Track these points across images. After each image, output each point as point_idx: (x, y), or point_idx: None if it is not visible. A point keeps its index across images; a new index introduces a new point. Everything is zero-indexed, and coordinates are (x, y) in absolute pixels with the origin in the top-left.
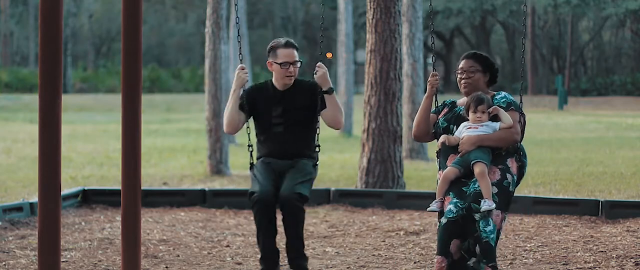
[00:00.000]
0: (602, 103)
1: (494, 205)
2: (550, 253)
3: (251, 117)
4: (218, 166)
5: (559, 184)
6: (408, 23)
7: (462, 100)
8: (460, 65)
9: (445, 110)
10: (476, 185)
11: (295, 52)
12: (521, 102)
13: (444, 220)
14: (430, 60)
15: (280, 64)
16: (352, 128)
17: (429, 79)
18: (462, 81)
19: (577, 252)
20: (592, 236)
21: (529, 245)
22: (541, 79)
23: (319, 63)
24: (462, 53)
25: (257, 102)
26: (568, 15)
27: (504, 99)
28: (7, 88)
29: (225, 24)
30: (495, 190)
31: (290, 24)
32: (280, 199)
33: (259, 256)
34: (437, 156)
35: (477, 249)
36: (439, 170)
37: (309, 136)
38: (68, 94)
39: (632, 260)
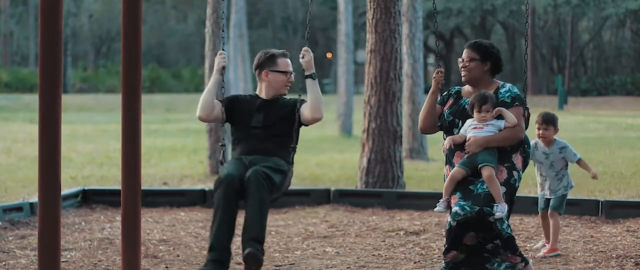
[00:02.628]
0: (602, 103)
1: (506, 211)
2: None
3: (227, 121)
4: (218, 166)
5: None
6: (408, 23)
7: (466, 89)
8: (462, 55)
9: (450, 101)
10: (484, 187)
11: (290, 63)
12: (526, 84)
13: (452, 223)
14: (430, 60)
15: (283, 72)
16: (352, 128)
17: (433, 75)
18: (462, 71)
19: (577, 252)
20: (592, 236)
21: (528, 245)
22: (541, 79)
23: (305, 47)
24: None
25: (236, 108)
26: (568, 15)
27: (508, 93)
28: (7, 88)
29: (225, 24)
30: (504, 189)
31: (290, 24)
32: (246, 179)
33: (207, 248)
34: (444, 152)
35: (497, 241)
36: (446, 164)
37: (286, 145)
38: (68, 94)
39: (632, 260)
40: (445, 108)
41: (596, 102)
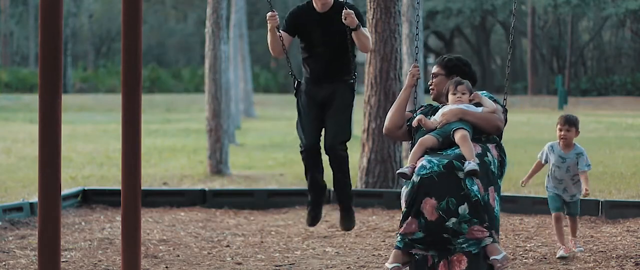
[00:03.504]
0: (602, 103)
1: (477, 166)
2: (551, 253)
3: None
4: (218, 166)
5: None
6: (408, 23)
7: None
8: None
9: (422, 108)
10: (456, 150)
11: None
12: (505, 100)
13: (416, 177)
14: (430, 60)
15: None
16: (352, 128)
17: (410, 69)
18: (429, 86)
19: (577, 252)
20: (592, 236)
21: (529, 245)
22: (541, 79)
23: (345, 10)
24: (462, 53)
25: (299, 24)
26: (568, 15)
27: (485, 94)
28: (7, 88)
29: (225, 24)
30: (477, 161)
31: None
32: (326, 150)
33: (307, 187)
34: (411, 148)
35: (461, 209)
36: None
37: (346, 56)
38: (68, 94)
39: (632, 260)
40: (416, 111)
41: (596, 102)
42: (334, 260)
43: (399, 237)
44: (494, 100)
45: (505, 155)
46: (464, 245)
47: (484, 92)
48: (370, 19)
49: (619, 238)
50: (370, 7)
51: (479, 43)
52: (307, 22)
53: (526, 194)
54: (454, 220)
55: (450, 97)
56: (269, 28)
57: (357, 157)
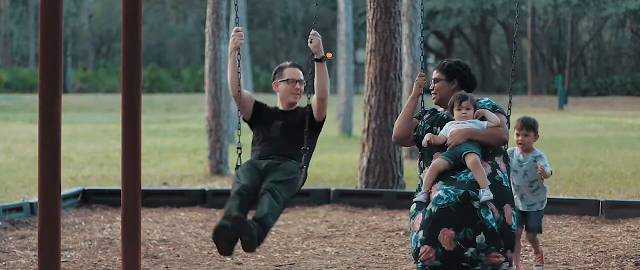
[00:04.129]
0: (602, 103)
1: (492, 195)
2: (551, 253)
3: (250, 121)
4: (218, 166)
5: (559, 184)
6: (408, 23)
7: (445, 112)
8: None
9: (427, 115)
10: (469, 175)
11: (301, 73)
12: (510, 108)
13: (433, 208)
14: (430, 60)
15: (286, 80)
16: (352, 128)
17: (416, 79)
18: (431, 91)
19: (577, 252)
20: (592, 236)
21: (529, 245)
22: (541, 79)
23: (313, 31)
24: (462, 53)
25: (261, 112)
26: (568, 15)
27: (488, 103)
28: (7, 88)
29: (225, 24)
30: (489, 183)
31: (290, 24)
32: (261, 192)
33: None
34: (419, 162)
35: (479, 238)
36: (422, 172)
37: (300, 149)
38: (68, 94)
39: (632, 260)
40: (422, 119)
41: (596, 102)
42: (334, 260)
43: (419, 264)
44: (497, 110)
45: (510, 163)
46: None
47: (487, 99)
48: (370, 19)
49: (619, 238)
50: (370, 7)
51: (479, 43)
52: (269, 113)
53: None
54: (472, 249)
55: (455, 112)
56: (229, 49)
57: (357, 157)
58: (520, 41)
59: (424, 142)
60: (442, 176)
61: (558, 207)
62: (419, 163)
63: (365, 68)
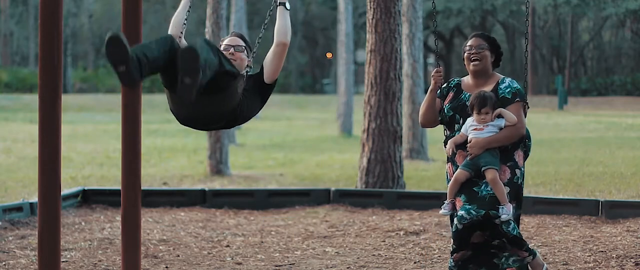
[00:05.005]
0: (602, 103)
1: (511, 214)
2: (550, 253)
3: None
4: (218, 166)
5: (559, 184)
6: (408, 23)
7: (466, 81)
8: (469, 43)
9: (450, 95)
10: (488, 188)
11: (240, 40)
12: (526, 86)
13: (459, 225)
14: (430, 60)
15: (222, 45)
16: (352, 128)
17: (432, 74)
18: (472, 57)
19: (577, 252)
20: (592, 236)
21: (528, 245)
22: (541, 79)
23: None
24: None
25: None
26: (568, 15)
27: (508, 90)
28: (7, 88)
29: (225, 24)
30: (508, 189)
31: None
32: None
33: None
34: (444, 142)
35: (504, 239)
36: (448, 162)
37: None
38: (68, 94)
39: (632, 260)
40: (445, 102)
41: (596, 102)
42: (334, 260)
43: (451, 262)
44: (517, 100)
45: (530, 140)
46: (509, 260)
47: (508, 82)
48: (370, 19)
49: (619, 238)
50: (370, 7)
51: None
52: None
53: (526, 194)
54: (498, 241)
55: (475, 116)
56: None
57: (357, 157)
58: (520, 41)
59: (448, 152)
60: (463, 186)
61: (558, 207)
62: (444, 142)
63: (365, 68)
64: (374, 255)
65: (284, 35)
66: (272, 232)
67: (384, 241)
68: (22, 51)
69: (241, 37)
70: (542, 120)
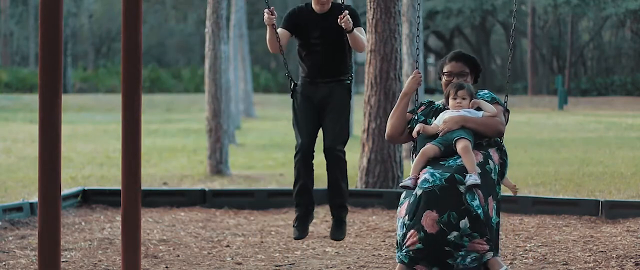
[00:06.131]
0: (602, 103)
1: (479, 180)
2: (551, 253)
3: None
4: (218, 166)
5: (559, 184)
6: (408, 23)
7: (441, 102)
8: (448, 68)
9: (422, 107)
10: (458, 161)
11: None
12: (506, 101)
13: (418, 191)
14: (430, 60)
15: None
16: (352, 128)
17: (413, 76)
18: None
19: (577, 252)
20: (592, 236)
21: (529, 245)
22: (541, 79)
23: (344, 11)
24: None
25: (298, 23)
26: (568, 15)
27: (488, 95)
28: (7, 88)
29: (225, 24)
30: (478, 170)
31: None
32: (325, 151)
33: (294, 197)
34: (411, 155)
35: (462, 223)
36: (413, 153)
37: (343, 56)
38: (68, 94)
39: (632, 260)
40: (417, 113)
41: (596, 102)
42: (334, 260)
43: (403, 251)
44: (495, 102)
45: (506, 157)
46: (466, 260)
47: (486, 91)
48: (370, 19)
49: (619, 238)
50: (370, 7)
51: (479, 43)
52: (306, 21)
53: (526, 194)
54: (455, 233)
55: (450, 101)
56: (267, 24)
57: (357, 157)
58: (520, 41)
59: (414, 133)
60: (431, 162)
61: (558, 207)
62: (412, 156)
63: (365, 68)
64: (374, 255)
65: (358, 49)
66: (272, 232)
67: (384, 241)
68: (22, 51)
69: None
70: (542, 120)
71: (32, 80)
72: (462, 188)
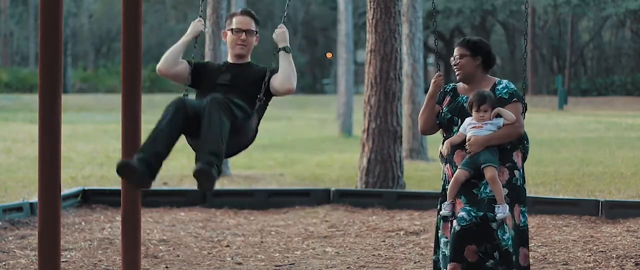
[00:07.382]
0: (602, 103)
1: (507, 212)
2: (550, 253)
3: (192, 85)
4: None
5: (559, 184)
6: (408, 23)
7: (461, 86)
8: (454, 54)
9: (447, 99)
10: (487, 190)
11: (252, 22)
12: (524, 94)
13: (457, 227)
14: (430, 60)
15: (232, 30)
16: (352, 128)
17: (434, 80)
18: (454, 68)
19: (577, 252)
20: (592, 236)
21: (529, 245)
22: (541, 79)
23: (280, 25)
24: None
25: (203, 71)
26: (568, 15)
27: (505, 90)
28: (7, 88)
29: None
30: (506, 191)
31: (290, 24)
32: (204, 104)
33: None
34: (441, 157)
35: (496, 254)
36: (446, 163)
37: (253, 98)
38: (68, 94)
39: (632, 260)
40: (443, 106)
41: (596, 102)
42: (334, 260)
43: None
44: (514, 100)
45: (527, 142)
46: None
47: (504, 84)
48: (370, 19)
49: (619, 238)
50: (370, 7)
51: None
52: (214, 68)
53: (526, 194)
54: (491, 261)
55: (473, 114)
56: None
57: (357, 157)
58: (520, 41)
59: (444, 150)
60: (464, 187)
61: (558, 207)
62: (440, 155)
63: (365, 68)
64: (374, 255)
65: (288, 83)
66: (272, 232)
67: (384, 241)
68: (22, 51)
69: (252, 16)
70: (542, 120)
71: (32, 80)
72: (494, 225)
